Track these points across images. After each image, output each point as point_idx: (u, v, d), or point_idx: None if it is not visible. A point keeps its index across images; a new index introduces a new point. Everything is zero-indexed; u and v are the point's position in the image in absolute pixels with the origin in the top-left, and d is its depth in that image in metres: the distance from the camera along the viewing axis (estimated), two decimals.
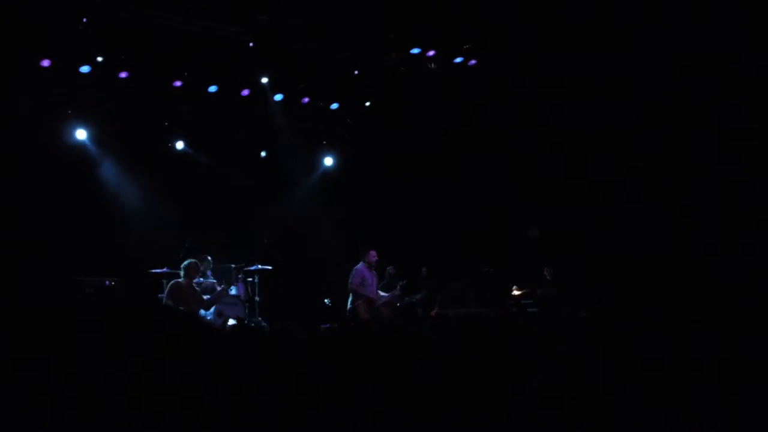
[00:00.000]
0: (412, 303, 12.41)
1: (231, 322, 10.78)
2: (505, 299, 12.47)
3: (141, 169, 13.13)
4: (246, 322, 11.16)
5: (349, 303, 11.86)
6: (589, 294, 11.61)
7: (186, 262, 10.95)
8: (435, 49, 13.78)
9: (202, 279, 11.46)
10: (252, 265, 12.52)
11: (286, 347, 5.13)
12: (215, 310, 11.12)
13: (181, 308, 10.22)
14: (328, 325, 9.42)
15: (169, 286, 10.76)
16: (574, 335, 6.23)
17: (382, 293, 12.13)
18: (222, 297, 11.15)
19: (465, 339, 5.74)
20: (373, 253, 11.98)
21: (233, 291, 11.90)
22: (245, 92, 13.59)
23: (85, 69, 12.11)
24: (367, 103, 14.72)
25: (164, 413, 3.05)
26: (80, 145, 12.63)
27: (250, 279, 12.12)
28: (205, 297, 10.96)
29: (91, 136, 12.66)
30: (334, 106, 14.66)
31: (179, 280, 10.90)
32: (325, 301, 13.12)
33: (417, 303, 12.51)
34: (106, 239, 12.24)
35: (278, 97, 13.84)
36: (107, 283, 11.30)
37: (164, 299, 10.68)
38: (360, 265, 11.92)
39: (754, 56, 11.12)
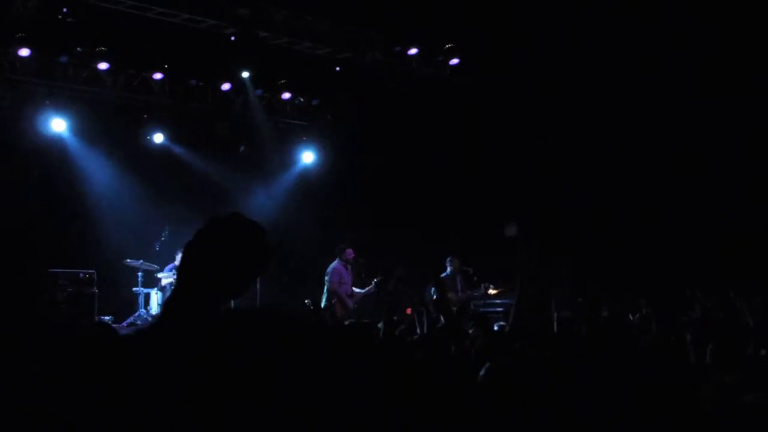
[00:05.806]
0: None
1: None
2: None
3: (119, 161, 13.01)
4: None
5: (323, 300, 11.73)
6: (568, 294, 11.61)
7: None
8: (417, 47, 13.79)
9: None
10: None
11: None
12: None
13: None
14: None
15: None
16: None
17: (356, 290, 12.05)
18: None
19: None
20: (350, 251, 11.89)
21: None
22: (226, 86, 13.53)
23: (63, 59, 12.02)
24: (348, 100, 14.69)
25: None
26: (57, 137, 12.48)
27: None
28: None
29: (68, 127, 12.51)
30: (315, 102, 14.63)
31: None
32: (306, 302, 12.95)
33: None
34: (82, 231, 12.14)
35: (258, 91, 13.78)
36: (81, 275, 11.20)
37: None
38: (336, 263, 11.79)
39: None
